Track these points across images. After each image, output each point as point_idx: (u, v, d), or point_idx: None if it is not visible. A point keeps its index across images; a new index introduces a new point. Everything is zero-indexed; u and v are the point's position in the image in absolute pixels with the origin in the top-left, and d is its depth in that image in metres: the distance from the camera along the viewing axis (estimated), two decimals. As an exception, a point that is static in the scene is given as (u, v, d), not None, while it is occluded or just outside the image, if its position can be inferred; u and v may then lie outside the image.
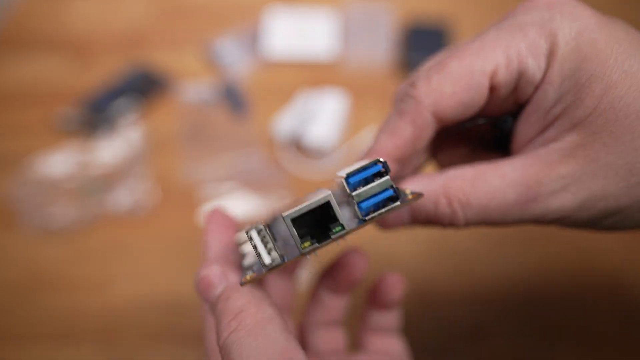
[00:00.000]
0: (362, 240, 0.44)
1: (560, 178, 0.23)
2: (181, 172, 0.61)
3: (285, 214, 0.20)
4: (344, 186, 0.21)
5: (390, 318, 0.31)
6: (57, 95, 0.69)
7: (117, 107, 0.66)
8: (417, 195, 0.22)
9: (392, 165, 0.26)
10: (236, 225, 0.29)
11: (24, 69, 0.73)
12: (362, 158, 0.27)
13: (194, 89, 0.68)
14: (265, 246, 0.21)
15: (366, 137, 0.65)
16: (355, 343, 0.31)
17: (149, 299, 0.51)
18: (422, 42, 0.72)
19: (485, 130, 0.29)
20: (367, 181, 0.21)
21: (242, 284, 0.22)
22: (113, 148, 0.62)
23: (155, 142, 0.64)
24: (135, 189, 0.59)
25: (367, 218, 0.21)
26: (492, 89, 0.24)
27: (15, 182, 0.58)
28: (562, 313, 0.49)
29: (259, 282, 0.24)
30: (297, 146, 0.64)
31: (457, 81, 0.24)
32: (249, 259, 0.25)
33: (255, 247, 0.21)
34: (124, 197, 0.58)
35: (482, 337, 0.48)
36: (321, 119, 0.64)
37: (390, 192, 0.21)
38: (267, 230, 0.21)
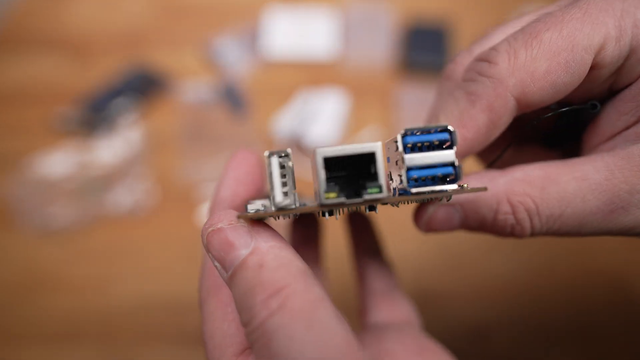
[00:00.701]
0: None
1: None
2: (181, 172, 0.61)
3: (319, 149, 0.16)
4: (396, 144, 0.18)
5: (386, 276, 0.28)
6: (56, 95, 0.69)
7: (117, 107, 0.66)
8: (479, 188, 0.18)
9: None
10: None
11: (24, 69, 0.73)
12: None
13: (194, 89, 0.68)
14: (283, 184, 0.17)
15: (366, 136, 0.64)
16: (361, 315, 0.29)
17: (149, 299, 0.51)
18: (422, 42, 0.72)
19: (547, 120, 0.24)
20: (424, 148, 0.18)
21: (238, 217, 0.18)
22: (112, 148, 0.62)
23: (154, 142, 0.64)
24: (135, 189, 0.59)
25: (413, 191, 0.17)
26: (593, 67, 0.19)
27: (15, 182, 0.58)
28: (563, 313, 0.49)
29: (282, 242, 0.19)
30: (297, 146, 0.64)
31: (554, 57, 0.19)
32: (260, 199, 0.21)
33: (271, 176, 0.17)
34: (124, 197, 0.58)
35: (483, 337, 0.48)
36: (321, 118, 0.64)
37: (449, 170, 0.17)
38: (291, 165, 0.17)
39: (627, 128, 0.20)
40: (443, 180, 0.17)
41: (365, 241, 0.30)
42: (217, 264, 0.18)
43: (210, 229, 0.18)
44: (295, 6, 0.79)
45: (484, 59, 0.21)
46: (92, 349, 0.48)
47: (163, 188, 0.60)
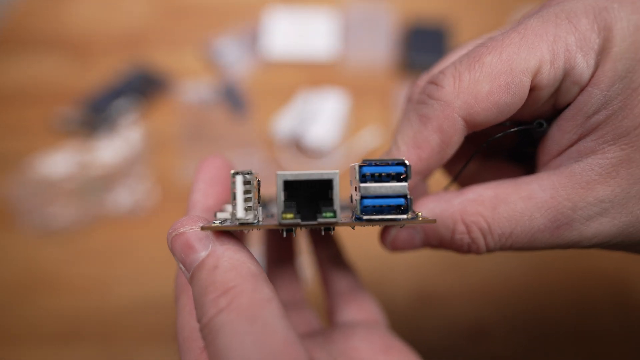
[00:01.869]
0: (360, 239, 0.44)
1: (599, 202, 0.20)
2: (181, 172, 0.61)
3: (280, 172, 0.18)
4: (355, 173, 0.19)
5: (349, 277, 0.29)
6: (57, 95, 0.69)
7: (117, 107, 0.66)
8: (429, 220, 0.20)
9: (412, 177, 0.22)
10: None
11: (24, 69, 0.73)
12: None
13: (194, 89, 0.68)
14: (246, 200, 0.18)
15: (366, 137, 0.65)
16: (329, 317, 0.30)
17: (149, 299, 0.51)
18: (422, 42, 0.72)
19: (506, 136, 0.25)
20: (381, 179, 0.19)
21: (201, 228, 0.19)
22: (113, 148, 0.62)
23: (155, 142, 0.64)
24: (135, 189, 0.59)
25: (364, 218, 0.19)
26: (533, 89, 0.21)
27: (15, 182, 0.58)
28: (562, 313, 0.49)
29: (244, 249, 0.20)
30: (297, 146, 0.64)
31: (494, 79, 0.20)
32: (226, 212, 0.22)
33: (234, 195, 0.18)
34: (124, 197, 0.58)
35: (482, 336, 0.48)
36: (321, 118, 0.64)
37: (401, 201, 0.19)
38: (257, 185, 0.19)
39: (571, 145, 0.21)
40: (397, 209, 0.19)
41: (326, 249, 0.31)
42: (180, 265, 0.19)
43: (174, 233, 0.19)
44: (295, 6, 0.79)
45: (433, 82, 0.22)
46: (92, 349, 0.48)
47: (163, 188, 0.60)
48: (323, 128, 0.63)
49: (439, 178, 0.29)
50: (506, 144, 0.26)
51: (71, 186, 0.58)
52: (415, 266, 0.53)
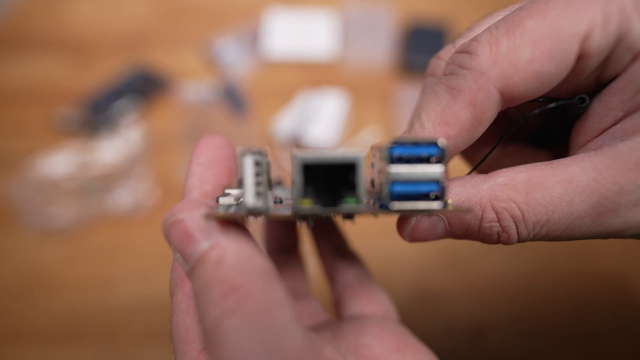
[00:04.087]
0: (359, 239, 0.44)
1: None
2: (181, 172, 0.61)
3: (299, 154, 0.16)
4: (384, 154, 0.17)
5: (356, 267, 0.28)
6: (57, 95, 0.69)
7: (118, 108, 0.66)
8: (463, 209, 0.18)
9: None
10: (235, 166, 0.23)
11: (24, 69, 0.73)
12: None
13: (194, 89, 0.68)
14: (257, 185, 0.16)
15: (366, 137, 0.65)
16: (336, 310, 0.28)
17: (149, 299, 0.51)
18: (422, 43, 0.72)
19: (531, 117, 0.22)
20: (409, 161, 0.17)
21: (205, 216, 0.17)
22: (113, 148, 0.62)
23: (155, 142, 0.64)
24: (135, 189, 0.59)
25: (395, 208, 0.16)
26: (580, 57, 0.18)
27: (15, 182, 0.58)
28: (562, 314, 0.49)
29: (251, 242, 0.18)
30: (297, 146, 0.64)
31: (537, 45, 0.18)
32: (230, 197, 0.19)
33: (243, 179, 0.16)
34: (124, 197, 0.58)
35: (482, 337, 0.48)
36: (321, 119, 0.64)
37: (434, 188, 0.16)
38: (267, 167, 0.16)
39: (615, 123, 0.19)
40: (426, 198, 0.16)
41: (329, 239, 0.29)
42: (178, 256, 0.18)
43: (171, 219, 0.17)
44: (295, 7, 0.79)
45: (465, 50, 0.19)
46: (92, 349, 0.48)
47: (163, 188, 0.60)
48: (323, 128, 0.63)
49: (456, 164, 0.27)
50: (530, 127, 0.24)
51: (71, 186, 0.59)
52: (415, 266, 0.53)
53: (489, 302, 0.50)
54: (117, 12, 0.81)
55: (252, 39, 0.75)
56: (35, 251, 0.55)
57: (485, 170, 0.21)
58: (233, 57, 0.73)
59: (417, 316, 0.49)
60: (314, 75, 0.72)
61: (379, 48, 0.73)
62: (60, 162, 0.60)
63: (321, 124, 0.64)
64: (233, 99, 0.67)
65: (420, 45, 0.72)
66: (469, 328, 0.48)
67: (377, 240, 0.51)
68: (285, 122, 0.64)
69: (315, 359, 0.15)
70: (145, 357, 0.48)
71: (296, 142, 0.64)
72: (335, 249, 0.28)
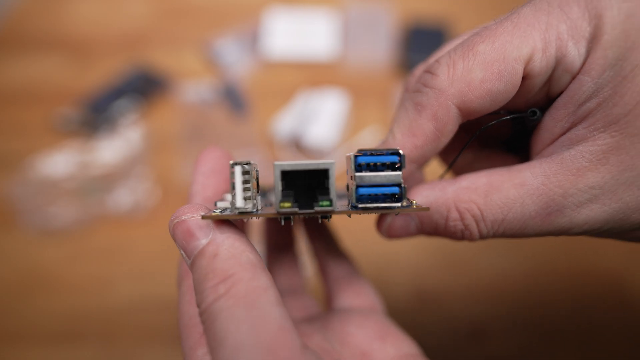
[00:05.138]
0: (359, 239, 0.44)
1: (589, 188, 0.20)
2: (181, 172, 0.61)
3: (278, 162, 0.18)
4: (351, 162, 0.19)
5: (345, 264, 0.30)
6: (57, 95, 0.69)
7: (118, 108, 0.66)
8: (423, 208, 0.20)
9: (407, 166, 0.23)
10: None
11: (24, 69, 0.73)
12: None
13: (194, 89, 0.68)
14: (245, 190, 0.19)
15: (366, 137, 0.65)
16: (327, 304, 0.30)
17: (148, 299, 0.51)
18: (422, 43, 0.72)
19: (501, 126, 0.25)
20: (376, 168, 0.19)
21: (202, 217, 0.19)
22: (113, 148, 0.62)
23: (155, 142, 0.64)
24: (135, 189, 0.59)
25: (359, 206, 0.19)
26: (525, 77, 0.21)
27: (15, 182, 0.58)
28: (561, 313, 0.49)
29: (246, 242, 0.21)
30: (297, 146, 0.64)
31: (487, 67, 0.20)
32: (226, 201, 0.22)
33: (233, 185, 0.19)
34: (124, 197, 0.58)
35: (481, 336, 0.48)
36: (321, 119, 0.64)
37: (395, 189, 0.19)
38: (255, 175, 0.19)
39: (563, 134, 0.21)
40: (391, 197, 0.19)
41: (321, 239, 0.32)
42: (182, 252, 0.20)
43: (175, 221, 0.20)
44: (295, 7, 0.79)
45: (428, 70, 0.22)
46: (92, 349, 0.49)
47: (163, 188, 0.60)
48: (323, 128, 0.63)
49: (435, 167, 0.29)
50: (501, 134, 0.27)
51: (71, 186, 0.59)
52: (414, 265, 0.53)
53: (488, 301, 0.50)
54: (117, 12, 0.81)
55: (252, 39, 0.75)
56: (35, 251, 0.55)
57: (462, 172, 0.24)
58: (233, 57, 0.73)
59: (416, 315, 0.49)
60: (314, 75, 0.72)
61: (379, 48, 0.73)
62: (60, 162, 0.60)
63: (321, 124, 0.64)
64: (233, 99, 0.67)
65: (420, 45, 0.72)
66: (468, 327, 0.48)
67: (377, 240, 0.51)
68: (285, 122, 0.64)
69: (291, 337, 0.17)
70: (145, 357, 0.48)
71: (296, 142, 0.64)
72: (327, 248, 0.31)
